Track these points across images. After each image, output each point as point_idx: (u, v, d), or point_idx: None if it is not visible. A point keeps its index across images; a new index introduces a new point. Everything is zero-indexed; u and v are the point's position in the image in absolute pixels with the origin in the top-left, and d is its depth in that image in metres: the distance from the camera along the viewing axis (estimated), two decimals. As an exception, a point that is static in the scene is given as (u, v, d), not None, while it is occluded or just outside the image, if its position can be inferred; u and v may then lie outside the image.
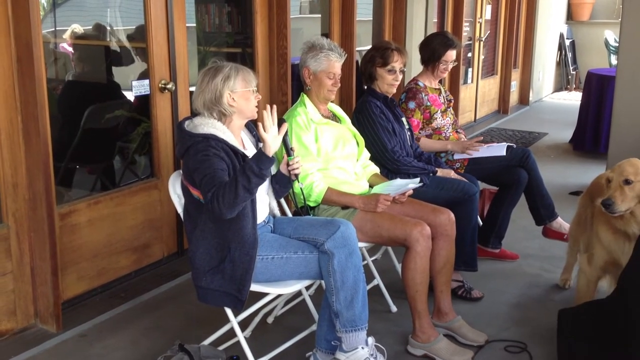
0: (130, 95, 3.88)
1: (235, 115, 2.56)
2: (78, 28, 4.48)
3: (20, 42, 2.86)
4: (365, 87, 3.63)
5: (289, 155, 2.75)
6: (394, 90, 3.55)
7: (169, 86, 3.67)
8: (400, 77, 3.51)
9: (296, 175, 2.75)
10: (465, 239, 3.33)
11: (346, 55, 3.20)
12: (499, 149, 3.83)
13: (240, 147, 2.56)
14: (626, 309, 2.54)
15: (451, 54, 3.91)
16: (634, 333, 2.47)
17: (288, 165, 2.74)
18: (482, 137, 4.16)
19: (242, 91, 2.54)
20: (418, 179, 3.12)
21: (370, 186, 3.23)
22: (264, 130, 2.37)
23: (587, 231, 3.22)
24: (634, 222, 2.81)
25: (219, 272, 2.50)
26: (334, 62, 3.10)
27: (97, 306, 3.33)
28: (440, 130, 3.95)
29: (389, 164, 3.44)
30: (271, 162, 2.38)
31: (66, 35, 4.38)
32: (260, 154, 2.36)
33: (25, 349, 2.93)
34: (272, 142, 2.37)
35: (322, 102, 3.17)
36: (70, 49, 4.51)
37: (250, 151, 2.67)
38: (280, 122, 2.83)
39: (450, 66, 3.95)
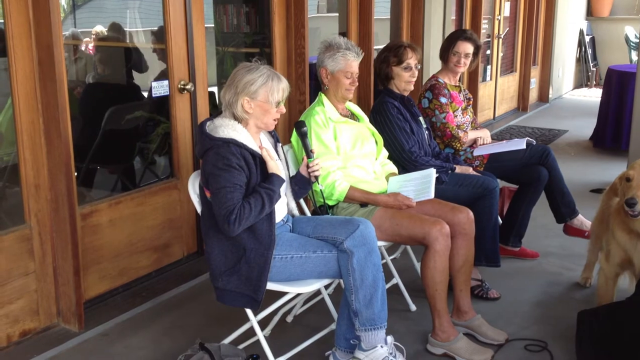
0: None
1: (251, 120, 2.56)
2: (101, 30, 4.54)
3: (41, 45, 2.89)
4: (381, 87, 3.63)
5: (308, 157, 2.76)
6: (412, 88, 3.54)
7: (188, 87, 3.69)
8: (416, 73, 3.51)
9: (316, 177, 2.76)
10: (487, 234, 3.32)
11: (363, 54, 3.20)
12: (518, 143, 3.81)
13: (258, 150, 2.56)
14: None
15: (463, 46, 3.88)
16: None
17: (308, 167, 2.75)
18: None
19: (260, 102, 2.53)
20: (433, 169, 3.11)
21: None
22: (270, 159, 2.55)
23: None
24: None
25: (235, 273, 2.51)
26: (351, 62, 3.10)
27: (118, 305, 3.36)
28: (460, 128, 3.93)
29: (407, 164, 3.44)
30: (284, 182, 2.57)
31: (88, 37, 4.44)
32: (280, 179, 2.52)
33: (48, 348, 2.97)
34: (278, 167, 2.58)
35: (340, 102, 3.18)
36: (89, 51, 4.56)
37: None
38: (301, 124, 2.85)
39: (465, 61, 3.90)
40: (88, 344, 3.04)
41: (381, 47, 3.71)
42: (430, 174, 3.09)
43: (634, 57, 10.54)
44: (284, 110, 2.61)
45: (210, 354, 2.57)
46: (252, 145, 2.53)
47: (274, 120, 2.59)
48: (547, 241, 4.23)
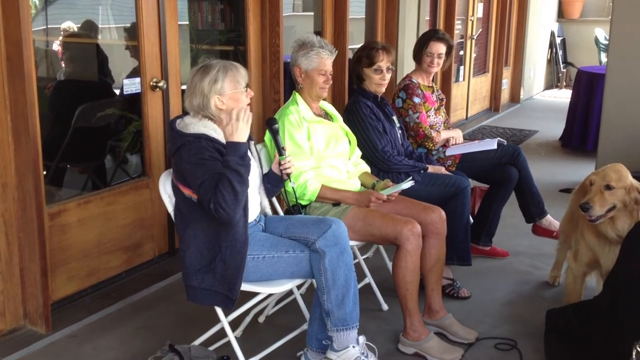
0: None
1: (224, 117, 2.53)
2: (70, 26, 4.47)
3: (10, 41, 2.84)
4: (355, 86, 3.63)
5: (280, 154, 2.75)
6: (383, 90, 3.56)
7: (161, 84, 3.65)
8: (388, 76, 3.51)
9: (288, 175, 2.76)
10: (459, 233, 3.34)
11: (337, 52, 3.20)
12: (489, 144, 3.85)
13: None
14: (613, 310, 2.56)
15: (436, 46, 3.90)
16: (620, 333, 2.49)
17: (280, 164, 2.74)
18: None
19: (231, 93, 2.51)
20: (412, 180, 3.12)
21: (362, 185, 3.24)
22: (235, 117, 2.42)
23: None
24: (611, 228, 2.85)
25: (210, 271, 2.49)
26: (325, 60, 3.10)
27: (87, 307, 3.31)
28: (432, 128, 3.95)
29: (379, 163, 3.45)
30: (245, 145, 2.42)
31: (57, 34, 4.37)
32: (232, 145, 2.40)
33: (15, 350, 2.92)
34: (234, 126, 2.41)
35: (314, 100, 3.17)
36: (59, 48, 4.49)
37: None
38: (272, 121, 2.84)
39: (438, 61, 3.93)
40: (56, 346, 3.00)
41: (356, 46, 3.72)
42: (408, 183, 3.09)
43: (604, 58, 10.70)
44: (252, 93, 2.59)
45: (180, 355, 2.55)
46: (224, 140, 2.50)
47: (248, 105, 2.57)
48: (517, 240, 4.28)
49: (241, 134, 2.42)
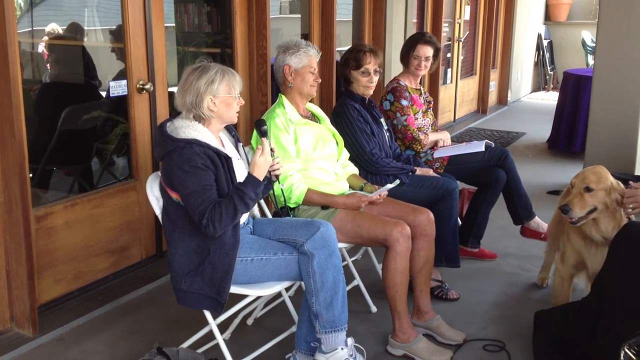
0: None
1: (214, 119, 2.55)
2: (55, 28, 4.44)
3: (-6, 43, 2.82)
4: (343, 89, 3.64)
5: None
6: (371, 92, 3.56)
7: (147, 87, 3.64)
8: (376, 78, 3.51)
9: (277, 176, 2.75)
10: (447, 235, 3.35)
11: (320, 53, 3.22)
12: (477, 146, 3.86)
13: (221, 148, 2.54)
14: (600, 311, 2.58)
15: (423, 49, 3.91)
16: (608, 334, 2.50)
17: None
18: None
19: (224, 97, 2.52)
20: (397, 181, 3.14)
21: (351, 187, 3.24)
22: (260, 154, 2.49)
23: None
24: (595, 229, 2.87)
25: (198, 274, 2.48)
26: (313, 58, 3.12)
27: (74, 309, 3.29)
28: (420, 130, 3.96)
29: (367, 166, 3.45)
30: (263, 183, 2.49)
31: (42, 36, 4.34)
32: (255, 180, 2.46)
33: (1, 353, 2.89)
34: (262, 165, 2.50)
35: (304, 98, 3.17)
36: (45, 50, 4.47)
37: (229, 150, 2.65)
38: (261, 123, 2.84)
39: (425, 64, 3.93)
40: (43, 349, 2.97)
41: (343, 49, 3.72)
42: (394, 182, 3.11)
43: (591, 61, 10.78)
44: (243, 101, 2.62)
45: (168, 358, 2.54)
46: (216, 144, 2.51)
47: (237, 112, 2.60)
48: (505, 242, 4.29)
49: (261, 170, 2.49)
